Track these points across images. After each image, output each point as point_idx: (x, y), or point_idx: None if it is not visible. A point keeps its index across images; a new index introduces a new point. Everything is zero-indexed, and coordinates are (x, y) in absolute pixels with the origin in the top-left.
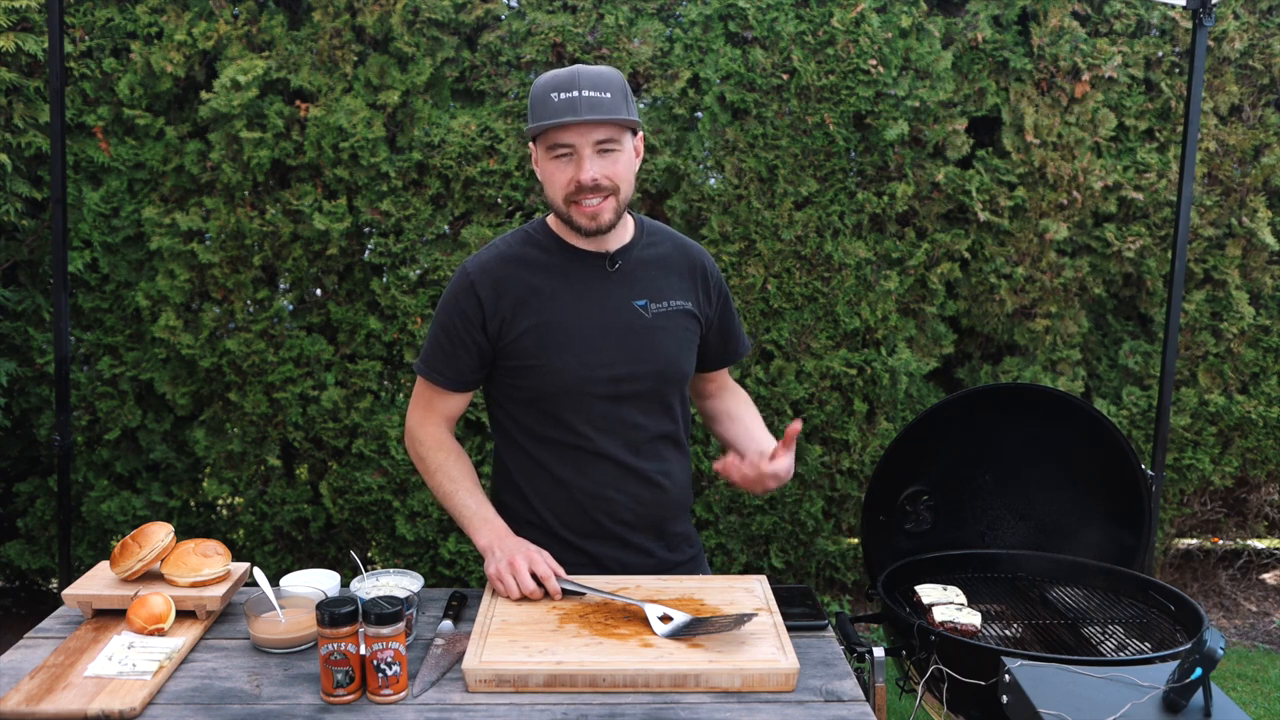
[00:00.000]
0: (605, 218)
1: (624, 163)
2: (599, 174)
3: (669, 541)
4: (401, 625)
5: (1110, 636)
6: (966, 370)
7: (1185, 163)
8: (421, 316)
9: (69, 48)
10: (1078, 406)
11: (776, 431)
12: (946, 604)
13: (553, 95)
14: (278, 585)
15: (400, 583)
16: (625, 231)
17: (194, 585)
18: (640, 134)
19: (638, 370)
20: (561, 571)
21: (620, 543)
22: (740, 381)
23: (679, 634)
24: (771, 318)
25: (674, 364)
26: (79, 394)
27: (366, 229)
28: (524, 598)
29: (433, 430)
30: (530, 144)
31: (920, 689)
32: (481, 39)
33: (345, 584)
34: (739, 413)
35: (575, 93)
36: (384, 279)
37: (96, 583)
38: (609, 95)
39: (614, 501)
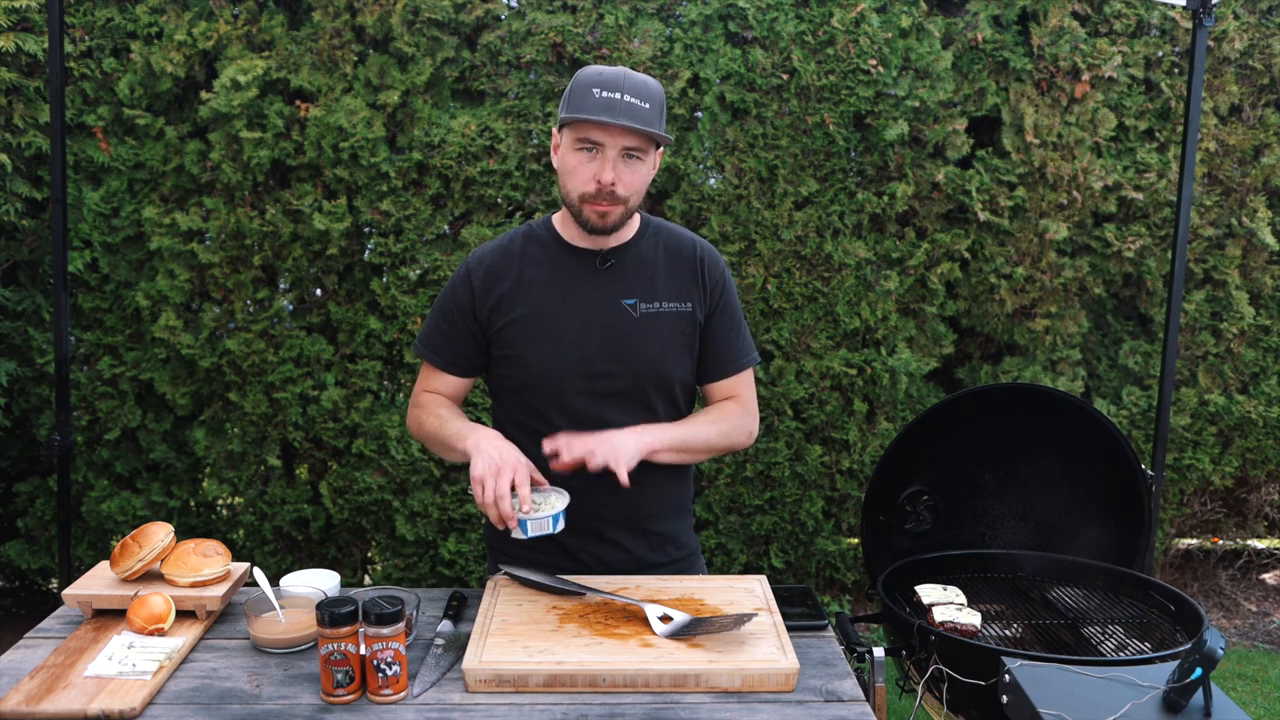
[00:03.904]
0: (612, 219)
1: (642, 174)
2: (619, 180)
3: (651, 541)
4: (401, 625)
5: (1110, 636)
6: (966, 370)
7: (1185, 163)
8: (421, 316)
9: (69, 48)
10: (1078, 406)
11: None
12: (946, 604)
13: (595, 90)
14: (278, 585)
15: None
16: (626, 230)
17: (194, 585)
18: (661, 149)
19: (617, 369)
20: (543, 483)
21: (594, 536)
22: None
23: (679, 634)
24: (771, 318)
25: (656, 365)
26: (79, 394)
27: (366, 229)
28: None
29: (423, 396)
30: (555, 132)
31: (920, 689)
32: (481, 39)
33: (345, 584)
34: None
35: (618, 94)
36: (384, 279)
37: (96, 583)
38: (648, 106)
39: (585, 495)
